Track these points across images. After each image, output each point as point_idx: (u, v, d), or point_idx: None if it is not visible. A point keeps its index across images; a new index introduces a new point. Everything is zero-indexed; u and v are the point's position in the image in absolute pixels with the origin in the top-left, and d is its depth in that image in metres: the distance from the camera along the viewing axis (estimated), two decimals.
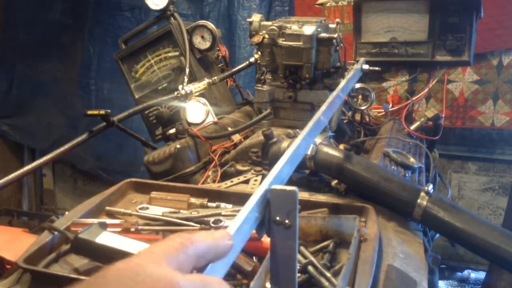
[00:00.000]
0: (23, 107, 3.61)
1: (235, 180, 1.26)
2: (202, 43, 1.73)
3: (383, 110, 1.88)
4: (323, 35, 1.40)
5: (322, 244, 0.91)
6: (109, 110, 1.38)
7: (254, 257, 0.86)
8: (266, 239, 0.62)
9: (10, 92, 3.60)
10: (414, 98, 1.83)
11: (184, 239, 0.47)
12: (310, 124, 0.79)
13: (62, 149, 1.33)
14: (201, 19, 3.02)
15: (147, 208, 1.03)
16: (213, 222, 0.93)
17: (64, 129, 3.50)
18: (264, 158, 1.29)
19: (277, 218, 0.53)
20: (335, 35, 1.40)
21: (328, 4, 2.81)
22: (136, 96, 1.77)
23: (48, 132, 3.58)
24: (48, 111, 3.58)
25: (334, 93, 1.02)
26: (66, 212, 1.03)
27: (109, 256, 0.80)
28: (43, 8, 3.45)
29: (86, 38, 3.36)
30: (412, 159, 1.38)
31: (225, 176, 1.32)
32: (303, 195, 1.12)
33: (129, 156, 3.20)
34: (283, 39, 1.41)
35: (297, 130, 1.27)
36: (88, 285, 0.41)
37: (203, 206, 1.05)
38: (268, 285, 0.62)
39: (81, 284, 0.42)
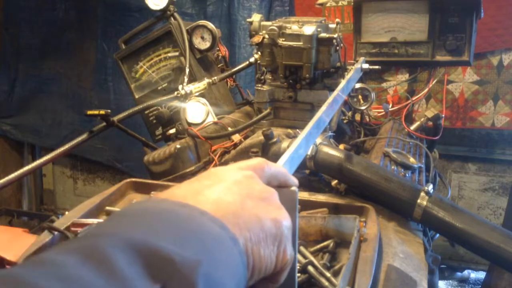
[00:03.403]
0: (26, 106, 3.62)
1: None
2: (202, 43, 1.73)
3: (383, 110, 1.88)
4: (323, 35, 1.40)
5: (322, 244, 0.91)
6: (109, 110, 1.38)
7: None
8: None
9: (13, 91, 3.61)
10: (414, 98, 1.83)
11: (261, 160, 0.56)
12: (310, 124, 0.79)
13: (62, 149, 1.33)
14: (204, 18, 3.03)
15: None
16: None
17: (75, 124, 3.51)
18: (264, 158, 1.29)
19: None
20: (335, 35, 1.40)
21: (328, 4, 2.81)
22: (136, 96, 1.77)
23: (55, 129, 3.59)
24: (52, 109, 3.59)
25: (335, 93, 1.02)
26: (66, 212, 1.03)
27: None
28: (46, 6, 3.46)
29: (99, 37, 3.39)
30: (412, 159, 1.38)
31: None
32: (303, 195, 1.12)
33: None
34: (283, 39, 1.41)
35: (297, 130, 1.27)
36: (179, 185, 0.49)
37: None
38: None
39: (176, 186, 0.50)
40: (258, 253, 0.46)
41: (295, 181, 0.57)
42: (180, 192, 0.47)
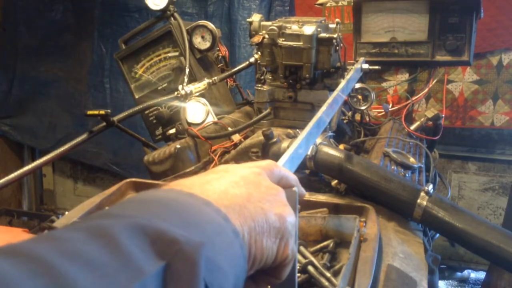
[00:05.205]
0: (24, 107, 3.62)
1: None
2: (202, 43, 1.73)
3: (383, 110, 1.88)
4: (323, 35, 1.40)
5: (322, 244, 0.91)
6: (109, 110, 1.38)
7: None
8: None
9: (10, 92, 3.60)
10: (414, 98, 1.83)
11: (271, 162, 0.57)
12: (310, 124, 0.79)
13: (62, 149, 1.33)
14: (205, 18, 3.03)
15: None
16: None
17: (70, 127, 3.50)
18: (264, 158, 1.29)
19: None
20: (335, 35, 1.40)
21: (328, 4, 2.81)
22: (136, 96, 1.77)
23: (51, 131, 3.58)
24: (50, 111, 3.58)
25: (335, 93, 1.02)
26: (66, 212, 1.03)
27: None
28: (44, 7, 3.45)
29: (96, 38, 3.37)
30: (412, 159, 1.38)
31: None
32: None
33: (142, 151, 3.19)
34: (283, 39, 1.41)
35: (297, 130, 1.27)
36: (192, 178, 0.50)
37: None
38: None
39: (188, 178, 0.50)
40: (261, 243, 0.47)
41: (303, 191, 0.58)
42: (188, 183, 0.48)
